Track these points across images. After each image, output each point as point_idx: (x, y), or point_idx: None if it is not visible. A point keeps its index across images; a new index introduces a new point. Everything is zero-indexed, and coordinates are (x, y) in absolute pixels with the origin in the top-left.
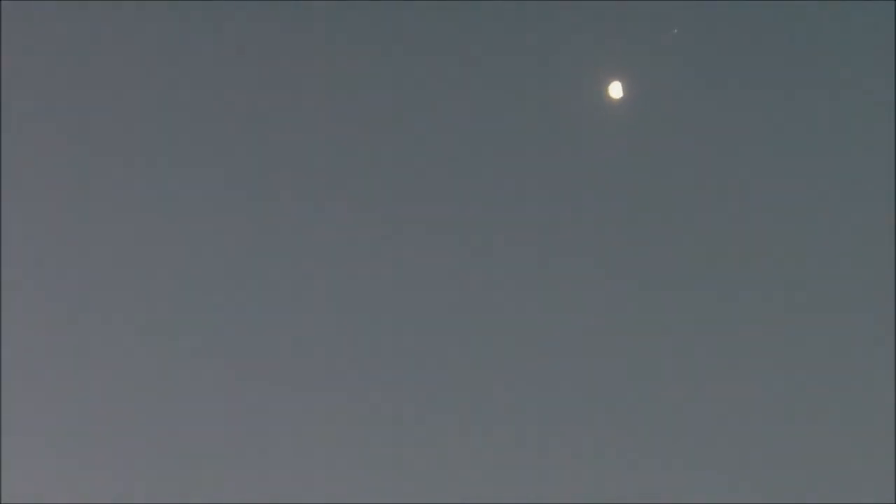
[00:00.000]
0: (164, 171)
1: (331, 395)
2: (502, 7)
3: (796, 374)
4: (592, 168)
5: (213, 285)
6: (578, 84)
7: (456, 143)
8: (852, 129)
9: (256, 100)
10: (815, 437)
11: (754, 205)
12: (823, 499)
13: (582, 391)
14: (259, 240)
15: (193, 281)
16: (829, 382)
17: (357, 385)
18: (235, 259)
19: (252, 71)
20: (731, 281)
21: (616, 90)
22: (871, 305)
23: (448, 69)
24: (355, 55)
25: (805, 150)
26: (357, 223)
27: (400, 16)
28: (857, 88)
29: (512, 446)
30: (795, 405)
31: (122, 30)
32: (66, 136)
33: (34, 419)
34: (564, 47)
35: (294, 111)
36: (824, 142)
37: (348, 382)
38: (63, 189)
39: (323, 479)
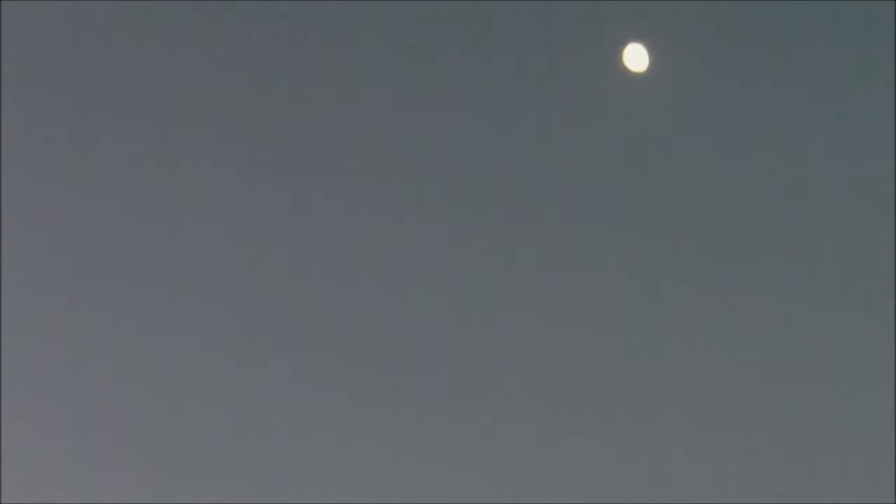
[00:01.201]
0: (164, 168)
1: (333, 392)
2: None
3: (798, 370)
4: (609, 144)
5: (214, 279)
6: (595, 53)
7: (464, 117)
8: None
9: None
10: (815, 436)
11: (780, 186)
12: (823, 499)
13: (592, 385)
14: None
15: (194, 276)
16: (831, 379)
17: (363, 377)
18: (236, 258)
19: (256, 62)
20: (756, 265)
21: (636, 57)
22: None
23: (455, 36)
24: (362, 30)
25: (837, 124)
26: (360, 215)
27: None
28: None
29: (510, 441)
30: (795, 404)
31: (121, 25)
32: (66, 128)
33: (34, 419)
34: (581, 12)
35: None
36: (860, 114)
37: (352, 379)
38: (63, 184)
39: (322, 476)
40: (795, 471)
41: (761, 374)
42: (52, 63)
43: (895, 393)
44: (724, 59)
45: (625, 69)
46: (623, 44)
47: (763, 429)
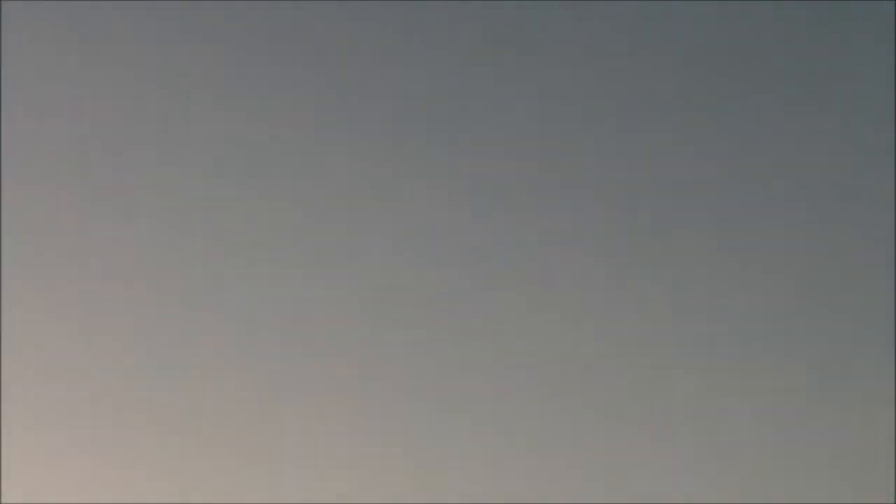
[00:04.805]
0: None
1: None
2: None
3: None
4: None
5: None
6: None
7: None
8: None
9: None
10: (815, 437)
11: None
12: (823, 499)
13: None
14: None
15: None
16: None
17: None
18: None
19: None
20: (755, 265)
21: None
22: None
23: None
24: None
25: (837, 124)
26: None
27: None
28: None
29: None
30: (795, 403)
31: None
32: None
33: (34, 419)
34: None
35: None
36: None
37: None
38: (64, 178)
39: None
40: (795, 471)
41: (761, 372)
42: (52, 63)
43: (895, 393)
44: (724, 58)
45: None
46: None
47: (762, 428)
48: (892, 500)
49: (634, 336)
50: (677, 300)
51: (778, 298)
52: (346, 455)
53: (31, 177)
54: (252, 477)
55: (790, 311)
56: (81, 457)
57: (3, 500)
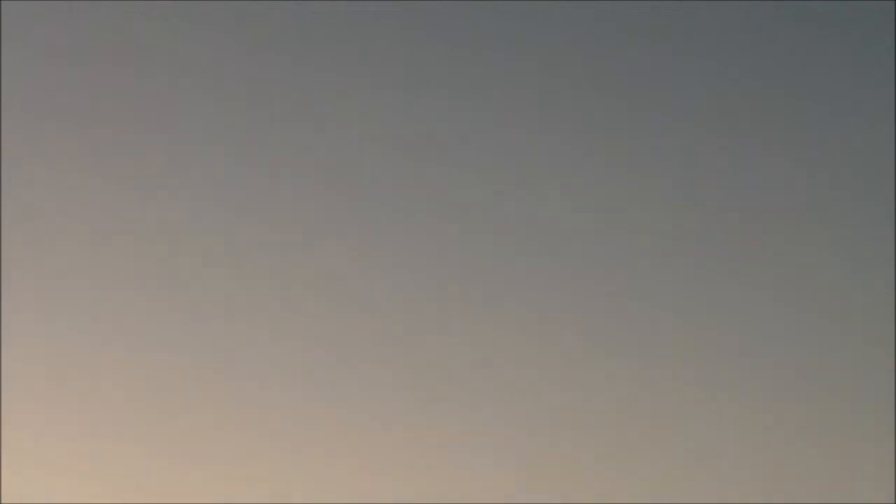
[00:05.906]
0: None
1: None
2: None
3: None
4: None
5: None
6: None
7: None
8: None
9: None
10: (815, 437)
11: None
12: (823, 498)
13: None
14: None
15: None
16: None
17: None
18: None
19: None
20: (756, 265)
21: None
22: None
23: None
24: None
25: (837, 124)
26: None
27: None
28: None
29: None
30: (793, 403)
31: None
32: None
33: (34, 419)
34: None
35: None
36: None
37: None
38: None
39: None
40: (795, 471)
41: (760, 373)
42: (52, 63)
43: (895, 393)
44: (725, 59)
45: None
46: None
47: (762, 428)
48: (893, 501)
49: (633, 336)
50: (676, 300)
51: (777, 298)
52: (345, 455)
53: (31, 176)
54: (252, 477)
55: (789, 311)
56: (81, 457)
57: (3, 501)
